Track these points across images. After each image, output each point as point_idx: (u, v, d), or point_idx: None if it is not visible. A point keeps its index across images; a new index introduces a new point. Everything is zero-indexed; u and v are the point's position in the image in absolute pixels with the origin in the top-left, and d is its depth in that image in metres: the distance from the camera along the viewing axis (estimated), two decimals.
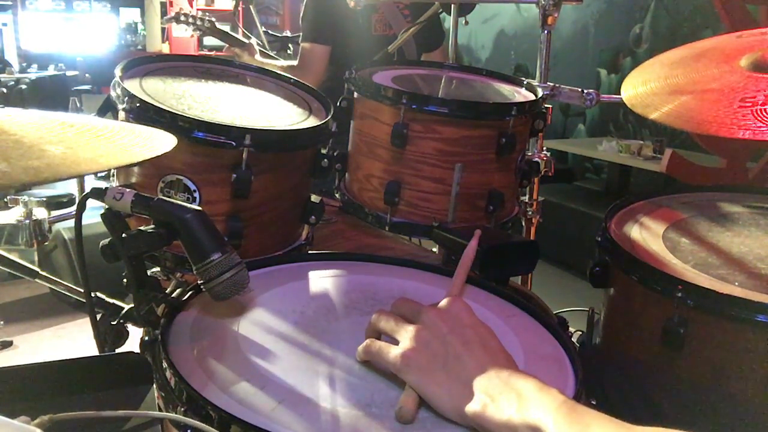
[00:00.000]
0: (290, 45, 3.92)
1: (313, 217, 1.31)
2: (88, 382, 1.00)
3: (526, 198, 1.72)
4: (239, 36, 2.90)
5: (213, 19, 2.90)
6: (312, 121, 1.31)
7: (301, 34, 2.63)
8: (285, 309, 0.98)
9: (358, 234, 1.60)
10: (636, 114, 1.14)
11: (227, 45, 2.91)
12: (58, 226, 3.26)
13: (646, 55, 4.48)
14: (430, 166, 1.34)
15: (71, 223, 3.15)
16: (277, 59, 3.01)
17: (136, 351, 1.00)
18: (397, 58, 2.40)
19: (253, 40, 2.87)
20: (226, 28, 3.01)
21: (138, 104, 1.13)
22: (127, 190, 0.90)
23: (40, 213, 3.00)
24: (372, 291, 1.07)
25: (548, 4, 1.66)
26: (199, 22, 2.86)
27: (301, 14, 2.62)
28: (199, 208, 0.91)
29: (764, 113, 0.96)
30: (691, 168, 3.43)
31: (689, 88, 1.13)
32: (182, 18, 2.89)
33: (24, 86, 6.12)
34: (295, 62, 2.70)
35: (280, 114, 1.33)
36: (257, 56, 2.79)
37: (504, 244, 1.29)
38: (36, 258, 3.18)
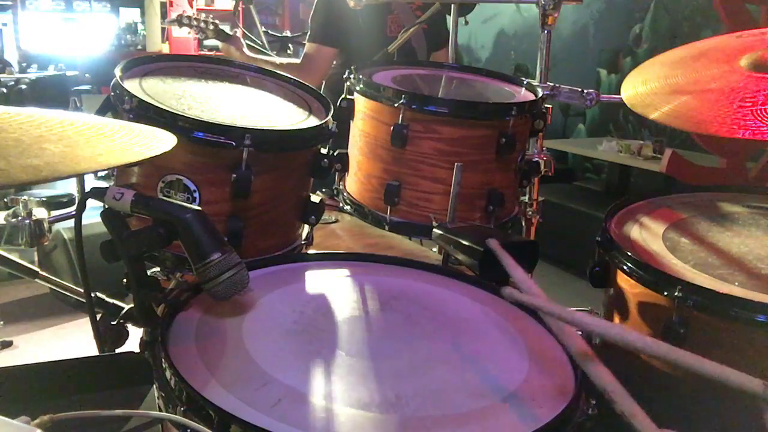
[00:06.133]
0: (290, 45, 3.91)
1: (313, 217, 1.31)
2: (88, 382, 1.00)
3: (526, 198, 1.72)
4: (228, 31, 2.83)
5: (216, 21, 2.84)
6: (312, 121, 1.31)
7: (308, 32, 2.58)
8: (285, 309, 0.98)
9: (358, 234, 1.60)
10: (636, 114, 1.14)
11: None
12: (58, 226, 3.25)
13: (646, 55, 4.47)
14: (430, 166, 1.34)
15: (71, 223, 3.14)
16: (269, 55, 2.96)
17: (136, 351, 1.00)
18: (408, 58, 2.38)
19: (239, 32, 2.79)
20: (226, 28, 2.96)
21: (138, 104, 1.13)
22: (127, 190, 0.90)
23: (40, 213, 2.99)
24: (372, 291, 1.07)
25: (548, 4, 1.66)
26: (203, 25, 2.81)
27: (311, 13, 2.58)
28: (199, 208, 0.91)
29: (764, 113, 0.96)
30: (691, 168, 3.43)
31: (689, 88, 1.12)
32: (185, 21, 2.83)
33: (24, 86, 6.12)
34: (296, 60, 2.66)
35: (280, 114, 1.33)
36: (245, 50, 2.72)
37: (504, 244, 1.29)
38: (36, 258, 3.17)
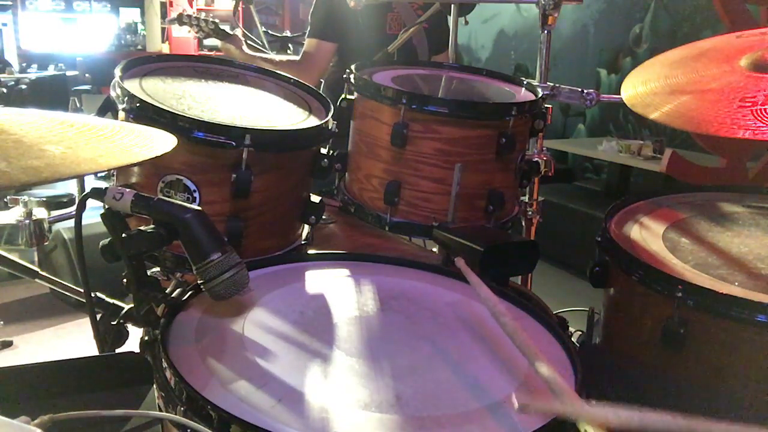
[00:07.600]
0: (290, 45, 3.90)
1: (313, 217, 1.31)
2: (88, 382, 1.00)
3: (526, 198, 1.72)
4: (227, 30, 2.83)
5: (216, 21, 2.85)
6: (312, 121, 1.31)
7: (308, 29, 2.58)
8: (285, 309, 0.98)
9: (358, 234, 1.60)
10: (636, 114, 1.14)
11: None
12: (58, 226, 3.25)
13: (646, 55, 4.47)
14: (430, 166, 1.34)
15: (71, 223, 3.15)
16: (268, 53, 2.96)
17: (136, 351, 1.00)
18: (409, 57, 2.38)
19: (239, 32, 2.80)
20: (226, 28, 2.96)
21: (138, 104, 1.13)
22: (127, 190, 0.90)
23: (40, 213, 3.00)
24: (372, 291, 1.07)
25: (548, 4, 1.66)
26: (202, 24, 2.82)
27: (311, 9, 2.58)
28: (199, 208, 0.91)
29: (764, 113, 0.96)
30: (691, 168, 3.43)
31: (689, 88, 1.12)
32: (185, 20, 2.84)
33: (24, 86, 6.11)
34: (296, 57, 2.66)
35: (280, 114, 1.33)
36: (244, 48, 2.73)
37: (504, 244, 1.29)
38: (36, 258, 3.17)
